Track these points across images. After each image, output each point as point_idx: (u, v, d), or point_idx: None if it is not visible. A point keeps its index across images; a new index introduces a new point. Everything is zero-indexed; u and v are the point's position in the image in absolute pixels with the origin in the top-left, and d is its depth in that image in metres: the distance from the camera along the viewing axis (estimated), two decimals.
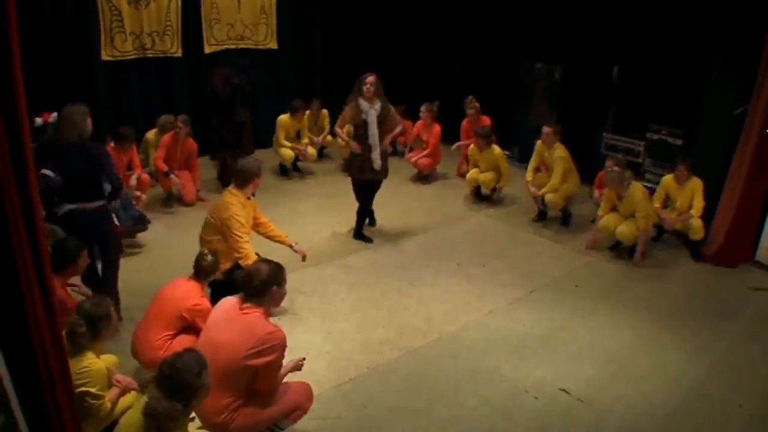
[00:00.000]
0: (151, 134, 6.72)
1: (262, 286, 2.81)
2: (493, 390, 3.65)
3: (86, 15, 6.73)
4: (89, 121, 3.86)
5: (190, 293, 3.53)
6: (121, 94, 7.26)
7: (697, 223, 5.38)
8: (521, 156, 8.20)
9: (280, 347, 2.76)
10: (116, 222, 5.05)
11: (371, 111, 5.30)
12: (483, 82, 7.90)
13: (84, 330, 2.79)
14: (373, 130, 5.33)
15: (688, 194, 5.42)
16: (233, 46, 8.13)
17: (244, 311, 2.80)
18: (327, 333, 4.22)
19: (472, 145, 6.91)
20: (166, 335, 3.44)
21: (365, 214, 5.85)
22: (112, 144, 5.76)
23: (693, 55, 5.97)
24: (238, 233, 4.10)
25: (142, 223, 5.44)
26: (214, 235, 4.20)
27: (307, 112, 7.67)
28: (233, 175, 4.41)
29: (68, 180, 3.77)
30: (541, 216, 6.40)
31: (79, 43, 6.78)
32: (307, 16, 8.85)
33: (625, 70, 6.88)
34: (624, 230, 5.37)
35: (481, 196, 7.02)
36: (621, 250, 5.62)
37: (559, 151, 6.05)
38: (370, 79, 5.27)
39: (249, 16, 8.17)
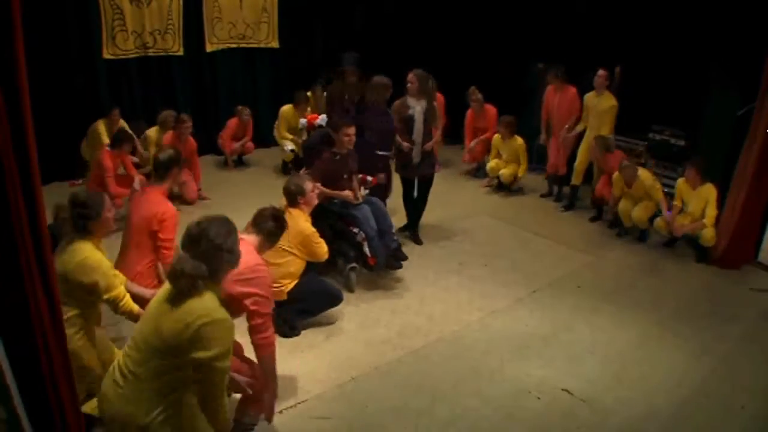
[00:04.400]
0: (152, 131, 6.68)
1: (268, 222, 3.05)
2: (495, 390, 3.64)
3: (87, 13, 6.72)
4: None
5: (155, 204, 3.36)
6: (123, 92, 7.25)
7: (710, 232, 5.28)
8: None
9: (264, 284, 2.77)
10: (367, 252, 4.66)
11: (417, 108, 5.33)
12: (484, 82, 7.87)
13: (66, 216, 2.63)
14: (419, 126, 5.36)
15: (701, 200, 5.34)
16: (235, 45, 8.14)
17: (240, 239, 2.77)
18: (328, 332, 4.21)
19: (496, 135, 7.12)
20: (147, 262, 3.26)
21: (412, 207, 5.83)
22: (107, 147, 5.71)
23: (695, 55, 5.96)
24: (318, 241, 4.06)
25: (397, 259, 4.90)
26: (284, 258, 3.90)
27: (311, 102, 7.56)
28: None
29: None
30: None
31: (80, 41, 6.76)
32: (308, 15, 8.85)
33: (627, 70, 6.87)
34: (637, 214, 5.67)
35: (501, 186, 7.23)
36: (624, 236, 5.90)
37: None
38: (410, 76, 5.31)
39: (251, 15, 8.17)
